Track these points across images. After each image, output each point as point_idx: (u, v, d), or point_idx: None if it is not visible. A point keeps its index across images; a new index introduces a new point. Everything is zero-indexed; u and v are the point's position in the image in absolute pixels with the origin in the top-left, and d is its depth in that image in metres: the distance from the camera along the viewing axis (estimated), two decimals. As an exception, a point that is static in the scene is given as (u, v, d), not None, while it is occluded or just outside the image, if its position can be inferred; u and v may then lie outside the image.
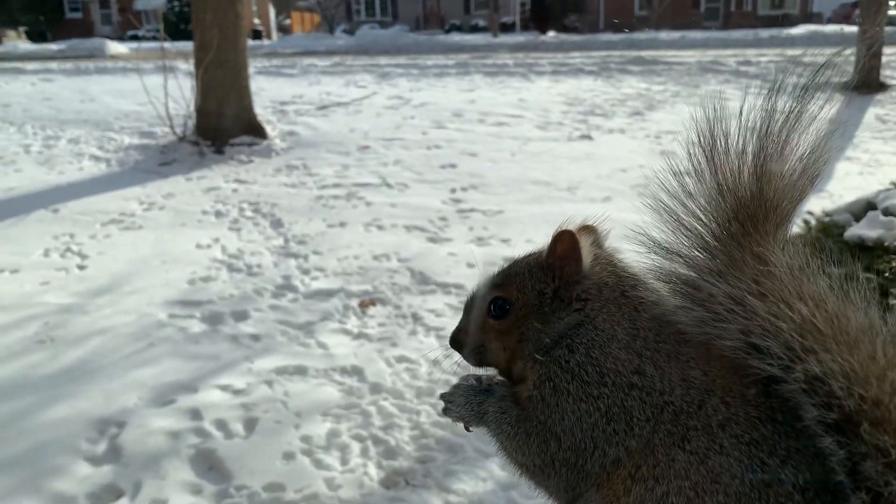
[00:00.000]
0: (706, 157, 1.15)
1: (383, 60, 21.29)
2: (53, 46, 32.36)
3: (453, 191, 7.22)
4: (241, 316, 4.37)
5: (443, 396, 1.29)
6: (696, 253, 1.16)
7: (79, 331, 4.21)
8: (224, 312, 4.41)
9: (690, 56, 19.13)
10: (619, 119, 10.95)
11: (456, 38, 33.23)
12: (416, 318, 4.30)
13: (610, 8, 44.37)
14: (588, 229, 1.27)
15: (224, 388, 3.55)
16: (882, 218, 3.63)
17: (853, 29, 20.07)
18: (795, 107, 1.11)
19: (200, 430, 3.20)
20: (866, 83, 11.98)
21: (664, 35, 29.00)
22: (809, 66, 1.13)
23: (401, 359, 3.81)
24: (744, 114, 1.13)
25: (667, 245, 1.19)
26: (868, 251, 3.43)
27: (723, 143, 1.14)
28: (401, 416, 3.29)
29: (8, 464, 2.98)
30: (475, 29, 43.68)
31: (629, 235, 1.23)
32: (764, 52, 19.48)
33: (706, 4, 44.85)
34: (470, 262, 5.14)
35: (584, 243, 1.21)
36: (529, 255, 1.30)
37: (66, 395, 3.50)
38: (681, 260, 1.18)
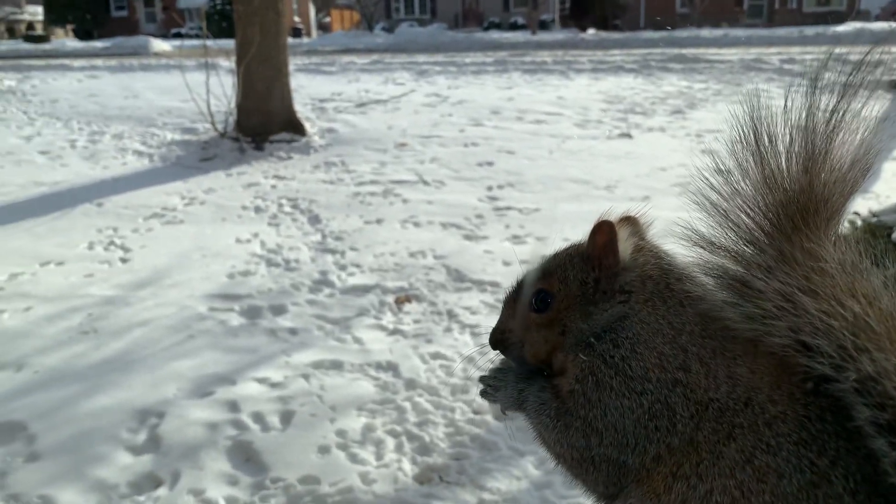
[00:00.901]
0: (752, 151, 1.12)
1: (422, 58, 21.31)
2: (99, 44, 33.09)
3: (490, 188, 7.20)
4: (279, 310, 4.41)
5: (482, 379, 1.28)
6: (744, 248, 1.13)
7: (121, 322, 4.29)
8: (262, 306, 4.45)
9: (733, 54, 18.80)
10: (659, 117, 10.81)
11: (494, 35, 33.11)
12: (451, 315, 4.30)
13: (651, 5, 43.87)
14: (629, 220, 1.25)
15: (261, 380, 3.59)
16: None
17: (903, 26, 19.55)
18: (842, 101, 1.08)
19: (238, 422, 3.23)
20: None
21: (706, 33, 28.57)
22: (855, 62, 1.09)
23: (436, 355, 3.80)
24: (789, 107, 1.11)
25: (713, 240, 1.16)
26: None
27: (769, 137, 1.11)
28: (435, 412, 3.29)
29: (53, 451, 3.05)
30: (514, 26, 43.50)
31: (674, 230, 1.21)
32: (809, 50, 19.05)
33: (750, 2, 44.03)
34: (506, 260, 5.12)
35: (623, 234, 1.19)
36: (570, 246, 1.28)
37: (109, 385, 3.57)
38: (728, 255, 1.15)
